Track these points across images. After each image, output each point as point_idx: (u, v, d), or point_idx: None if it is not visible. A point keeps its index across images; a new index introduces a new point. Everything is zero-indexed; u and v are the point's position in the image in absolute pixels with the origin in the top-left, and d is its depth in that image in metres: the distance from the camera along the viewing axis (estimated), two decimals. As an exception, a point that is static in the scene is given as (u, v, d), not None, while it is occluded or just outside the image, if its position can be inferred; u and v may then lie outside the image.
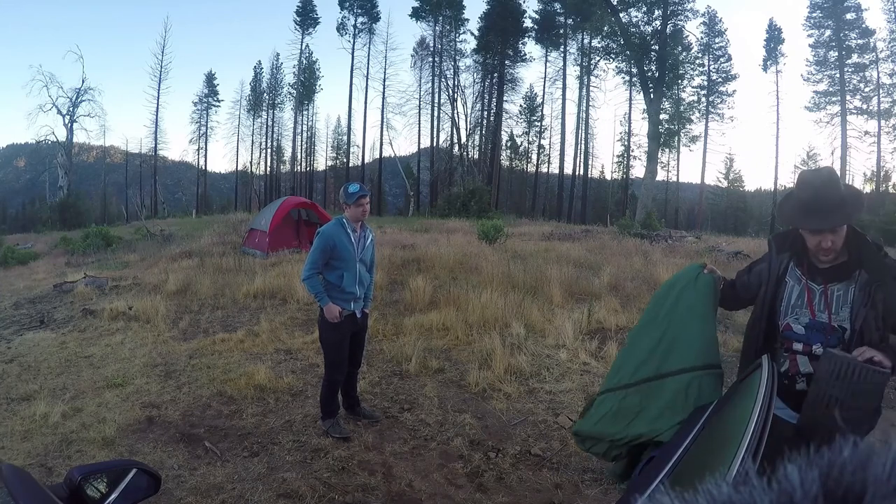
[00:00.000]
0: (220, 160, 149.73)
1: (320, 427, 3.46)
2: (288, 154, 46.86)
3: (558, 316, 5.85)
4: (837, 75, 31.67)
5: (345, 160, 46.20)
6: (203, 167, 48.63)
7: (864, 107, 31.49)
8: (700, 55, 34.11)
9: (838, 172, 2.08)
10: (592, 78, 38.34)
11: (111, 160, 53.57)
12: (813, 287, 1.81)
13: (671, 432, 1.63)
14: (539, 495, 2.81)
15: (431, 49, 39.47)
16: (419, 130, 40.72)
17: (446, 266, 8.52)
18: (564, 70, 38.89)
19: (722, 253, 11.79)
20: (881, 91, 30.79)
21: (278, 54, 45.51)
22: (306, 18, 42.78)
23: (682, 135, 34.34)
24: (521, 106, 41.80)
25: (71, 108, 36.90)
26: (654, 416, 1.78)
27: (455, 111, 38.87)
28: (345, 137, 45.89)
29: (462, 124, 39.06)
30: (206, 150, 47.34)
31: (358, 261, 3.33)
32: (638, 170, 37.17)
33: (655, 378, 1.83)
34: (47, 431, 3.43)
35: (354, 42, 40.48)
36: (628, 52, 26.91)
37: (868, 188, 31.32)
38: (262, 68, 46.78)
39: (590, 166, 42.39)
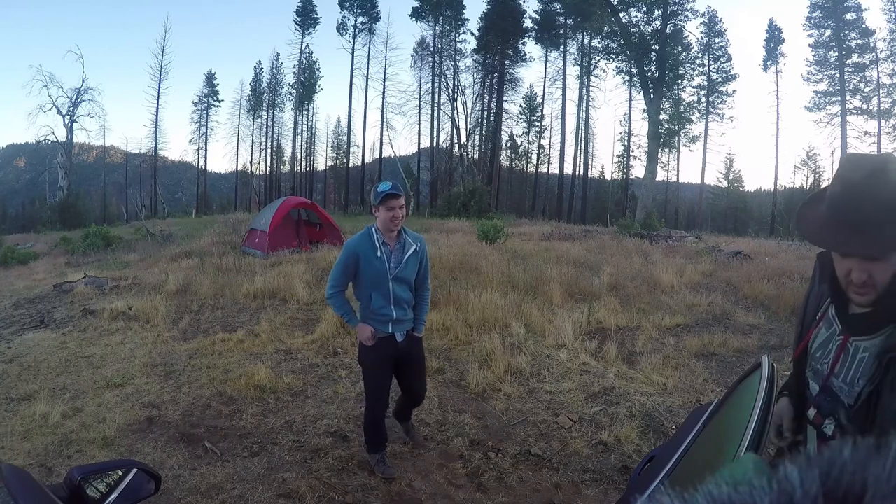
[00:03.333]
0: (220, 160, 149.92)
1: (366, 460, 3.08)
2: (288, 154, 46.92)
3: (558, 316, 5.85)
4: (837, 75, 31.67)
5: (345, 160, 46.27)
6: (203, 167, 48.72)
7: (864, 107, 31.49)
8: (700, 55, 34.13)
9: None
10: (592, 78, 38.41)
11: (111, 160, 53.60)
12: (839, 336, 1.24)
13: None
14: (539, 495, 2.81)
15: (431, 49, 39.50)
16: (419, 130, 40.81)
17: (446, 266, 8.51)
18: (564, 70, 38.95)
19: (722, 253, 11.80)
20: (881, 91, 30.79)
21: (278, 54, 45.62)
22: (306, 18, 42.80)
23: (681, 135, 34.28)
24: (521, 106, 41.83)
25: (71, 108, 36.99)
26: None
27: (455, 111, 38.93)
28: (345, 137, 45.96)
29: (462, 124, 39.14)
30: (206, 150, 47.42)
31: (391, 279, 2.73)
32: (638, 170, 37.20)
33: None
34: (47, 431, 3.43)
35: (354, 42, 40.59)
36: (628, 52, 26.97)
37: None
38: (262, 68, 46.87)
39: (590, 166, 42.46)
